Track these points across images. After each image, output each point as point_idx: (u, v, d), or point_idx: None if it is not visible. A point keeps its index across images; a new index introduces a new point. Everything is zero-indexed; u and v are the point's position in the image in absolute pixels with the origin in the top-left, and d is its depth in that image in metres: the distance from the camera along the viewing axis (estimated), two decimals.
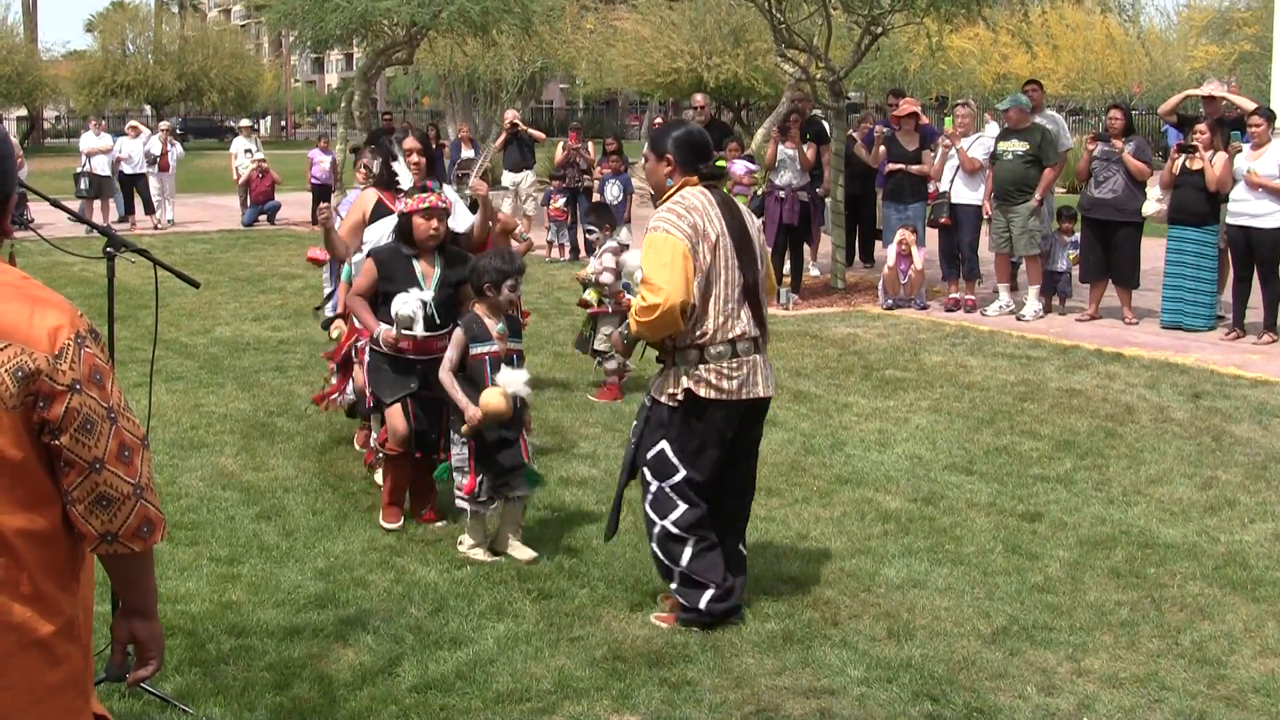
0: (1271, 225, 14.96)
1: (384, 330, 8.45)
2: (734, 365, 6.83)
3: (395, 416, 8.56)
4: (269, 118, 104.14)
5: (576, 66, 53.58)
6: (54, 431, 3.24)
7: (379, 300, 8.55)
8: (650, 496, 7.03)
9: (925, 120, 19.58)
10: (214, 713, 5.96)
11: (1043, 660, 6.61)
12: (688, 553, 6.94)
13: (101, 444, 3.29)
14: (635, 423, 7.25)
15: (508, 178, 25.58)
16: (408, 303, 8.34)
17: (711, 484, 7.02)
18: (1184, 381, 12.96)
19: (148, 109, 77.54)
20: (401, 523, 8.69)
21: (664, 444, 6.95)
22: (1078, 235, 17.25)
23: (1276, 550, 8.26)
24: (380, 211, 9.24)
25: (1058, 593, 7.52)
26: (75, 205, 25.14)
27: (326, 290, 11.31)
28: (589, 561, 7.95)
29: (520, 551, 8.14)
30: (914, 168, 18.18)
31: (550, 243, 23.56)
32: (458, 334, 8.06)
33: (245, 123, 33.66)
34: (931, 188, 18.26)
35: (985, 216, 17.61)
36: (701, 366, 6.81)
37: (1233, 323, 15.61)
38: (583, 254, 22.09)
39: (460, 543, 8.27)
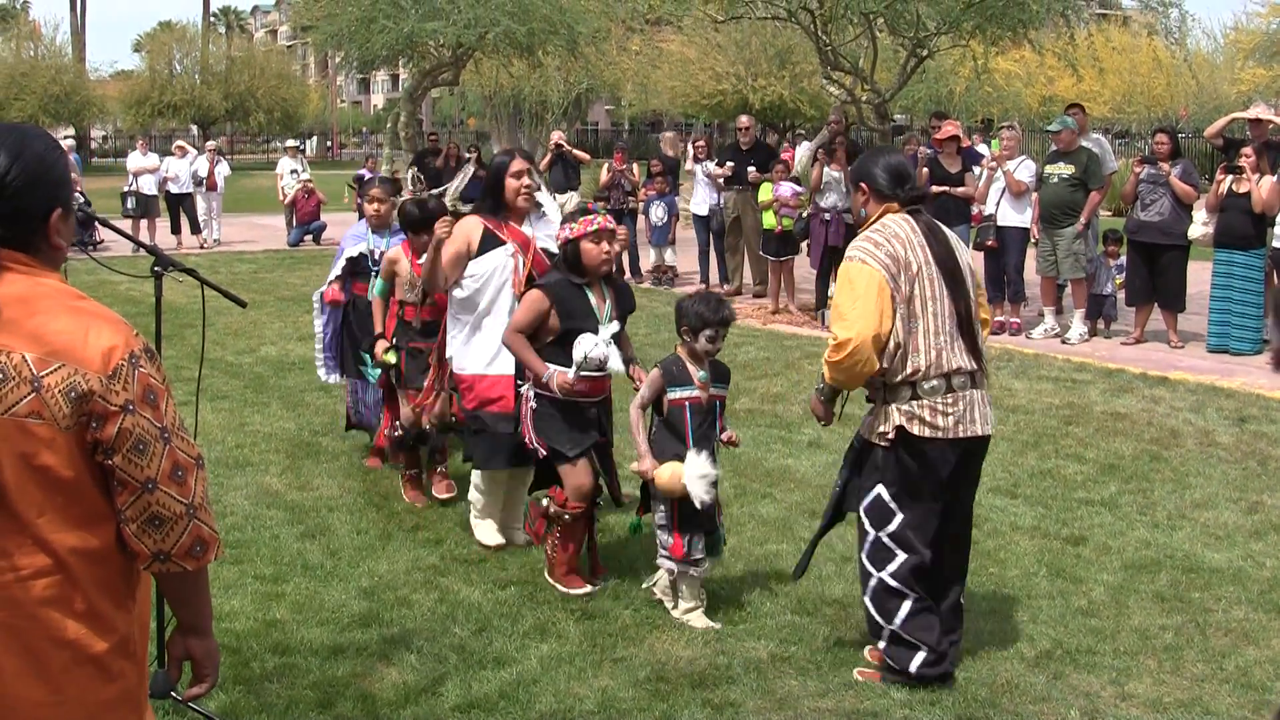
0: None
1: (557, 374, 7.73)
2: (949, 401, 6.39)
3: (582, 472, 7.86)
4: (315, 138, 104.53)
5: (622, 88, 53.77)
6: (107, 451, 3.26)
7: (549, 339, 7.84)
8: (868, 546, 6.59)
9: (967, 142, 19.55)
10: None
11: (1086, 684, 6.59)
12: (904, 611, 6.51)
13: (154, 464, 3.30)
14: (842, 465, 6.93)
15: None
16: (596, 345, 7.70)
17: (930, 530, 6.56)
18: (1230, 405, 12.91)
19: (194, 129, 77.95)
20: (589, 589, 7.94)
21: (880, 488, 6.54)
22: (1123, 258, 17.19)
23: None
24: (489, 242, 8.41)
25: (1102, 616, 7.50)
26: (125, 225, 25.32)
27: (321, 334, 10.82)
28: (632, 582, 7.95)
29: (702, 622, 7.50)
30: (957, 190, 18.15)
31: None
32: (655, 374, 7.49)
33: (291, 143, 33.81)
34: (975, 210, 18.23)
35: (1032, 239, 17.57)
36: (914, 402, 6.39)
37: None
38: (627, 274, 22.12)
39: (674, 606, 7.55)
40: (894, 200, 6.60)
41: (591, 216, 7.89)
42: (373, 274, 10.18)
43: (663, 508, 7.47)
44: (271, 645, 6.96)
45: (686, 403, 7.42)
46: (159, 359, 3.46)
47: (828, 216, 18.30)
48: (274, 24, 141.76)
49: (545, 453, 7.89)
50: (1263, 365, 15.15)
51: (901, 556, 6.48)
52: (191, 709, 5.91)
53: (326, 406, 12.46)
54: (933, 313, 6.38)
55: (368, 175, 28.10)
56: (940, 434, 6.39)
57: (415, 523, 9.08)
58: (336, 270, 10.57)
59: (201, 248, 28.32)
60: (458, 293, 8.51)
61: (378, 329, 9.84)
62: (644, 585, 7.79)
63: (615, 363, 7.75)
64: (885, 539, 6.51)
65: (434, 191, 10.92)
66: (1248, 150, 15.97)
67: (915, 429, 6.39)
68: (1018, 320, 17.63)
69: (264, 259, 26.61)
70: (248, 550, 8.53)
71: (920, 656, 6.49)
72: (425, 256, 8.59)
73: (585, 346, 7.69)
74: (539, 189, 8.57)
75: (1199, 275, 16.94)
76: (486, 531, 8.74)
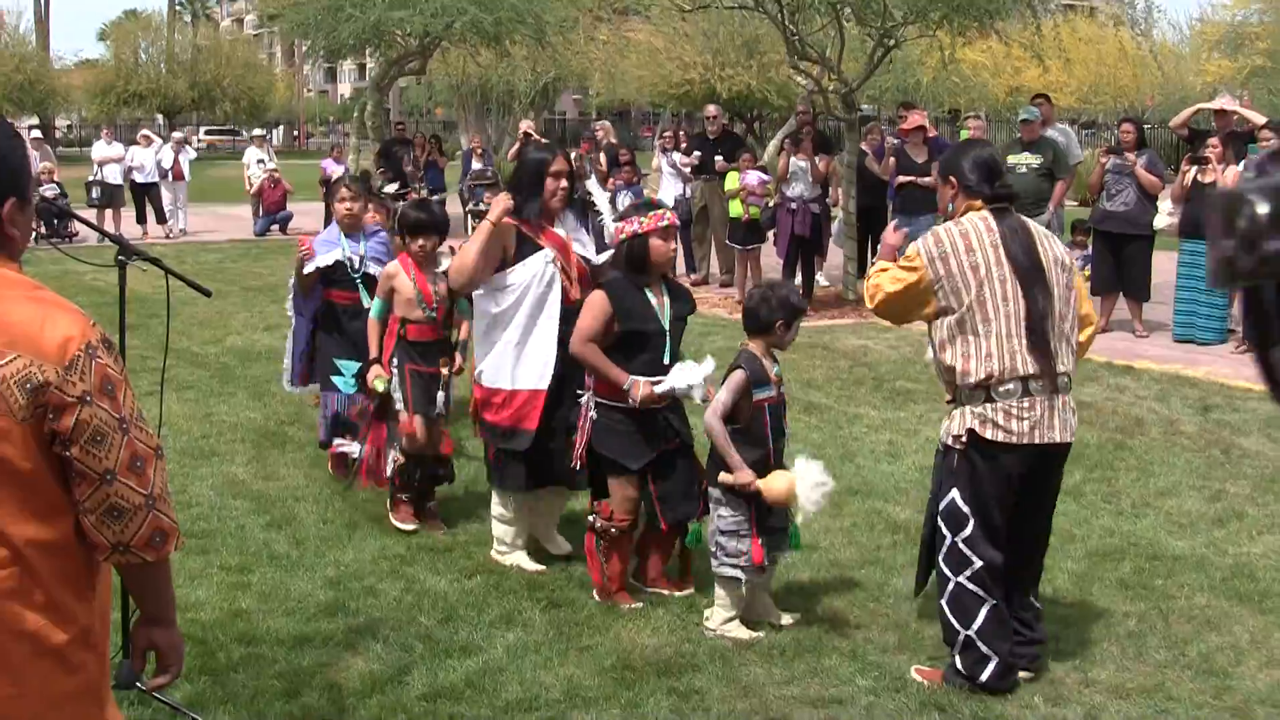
0: None
1: (641, 383, 7.24)
2: (1025, 405, 6.18)
3: (632, 484, 7.48)
4: (281, 127, 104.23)
5: (590, 77, 53.74)
6: (64, 443, 3.24)
7: (613, 343, 7.35)
8: (944, 551, 6.45)
9: (934, 132, 19.59)
10: None
11: (1050, 671, 6.62)
12: (981, 616, 6.35)
13: (113, 455, 3.29)
14: (934, 472, 6.72)
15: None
16: (694, 384, 7.19)
17: (1004, 536, 6.40)
18: (1194, 394, 12.97)
19: (160, 118, 77.70)
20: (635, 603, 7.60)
21: (954, 492, 6.39)
22: (1090, 248, 17.24)
23: None
24: (526, 247, 7.82)
25: (1065, 604, 7.54)
26: (90, 215, 25.22)
27: (292, 341, 10.10)
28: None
29: (783, 616, 7.37)
30: (923, 180, 18.20)
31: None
32: (739, 377, 7.01)
33: (258, 132, 33.73)
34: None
35: None
36: (987, 405, 6.23)
37: (1243, 336, 15.60)
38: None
39: (708, 618, 7.22)
40: (979, 197, 6.42)
41: (660, 211, 7.47)
42: (353, 281, 9.54)
43: (739, 515, 7.07)
44: (237, 635, 6.96)
45: (766, 404, 7.08)
46: (117, 349, 3.44)
47: (794, 206, 18.33)
48: (240, 12, 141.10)
49: (585, 466, 7.53)
50: (1227, 354, 15.24)
51: (977, 562, 6.34)
52: (157, 699, 5.90)
53: (292, 397, 12.42)
54: (1006, 314, 6.20)
55: (331, 166, 28.08)
56: (1014, 438, 6.21)
57: (381, 512, 9.07)
58: (309, 268, 9.54)
59: (167, 238, 28.21)
60: (492, 306, 7.89)
61: (373, 353, 8.91)
62: (709, 627, 7.17)
63: (699, 394, 7.28)
64: (961, 544, 6.37)
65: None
66: (1213, 141, 16.05)
67: (988, 432, 6.24)
68: None
69: (230, 249, 26.55)
70: (213, 540, 8.52)
71: (991, 667, 6.33)
72: (470, 245, 7.79)
73: (685, 379, 7.21)
74: (587, 184, 8.26)
75: (1164, 265, 17.02)
76: (523, 560, 8.17)
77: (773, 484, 6.90)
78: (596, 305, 7.33)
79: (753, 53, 40.95)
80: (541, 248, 7.81)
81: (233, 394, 12.84)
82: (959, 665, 6.41)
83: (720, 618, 7.16)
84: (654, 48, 43.98)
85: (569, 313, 7.69)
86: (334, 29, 29.58)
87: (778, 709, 6.20)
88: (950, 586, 6.43)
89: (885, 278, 6.49)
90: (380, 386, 8.75)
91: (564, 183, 7.84)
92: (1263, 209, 1.33)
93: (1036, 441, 6.23)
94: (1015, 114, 21.42)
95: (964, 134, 18.77)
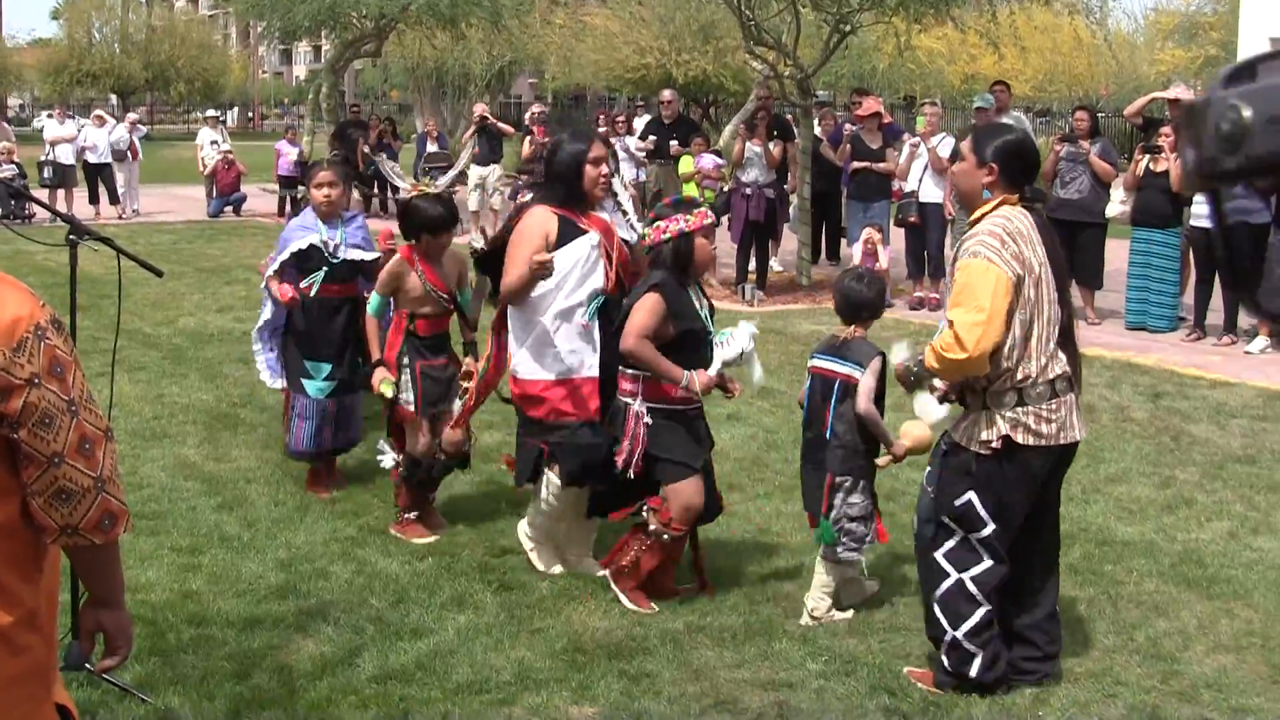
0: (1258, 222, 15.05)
1: (697, 375, 7.11)
2: (1053, 407, 6.04)
3: (695, 491, 7.26)
4: (236, 109, 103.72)
5: (545, 61, 53.55)
6: (12, 425, 3.20)
7: (665, 346, 7.11)
8: (951, 545, 6.22)
9: (889, 119, 19.65)
10: (173, 702, 5.96)
11: None
12: (974, 620, 6.17)
13: (61, 438, 3.24)
14: (929, 469, 6.44)
15: (475, 171, 25.54)
16: (742, 337, 7.28)
17: (1013, 540, 6.24)
18: (1145, 382, 13.04)
19: (114, 98, 77.24)
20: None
21: (971, 495, 6.13)
22: None
23: (1231, 548, 8.34)
24: (569, 232, 7.46)
25: None
26: (42, 194, 25.09)
27: (263, 334, 9.47)
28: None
29: (869, 583, 7.56)
30: (878, 166, 18.24)
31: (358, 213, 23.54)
32: (879, 361, 7.14)
33: (212, 113, 33.56)
34: (896, 186, 18.34)
35: (949, 217, 17.67)
36: (1020, 409, 6.02)
37: (1194, 324, 15.72)
38: None
39: (814, 610, 7.16)
40: (1018, 192, 6.16)
41: (703, 210, 7.37)
42: (330, 270, 8.96)
43: (867, 499, 7.22)
44: (188, 617, 6.94)
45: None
46: (67, 330, 3.40)
47: (749, 191, 18.34)
48: None
49: (637, 472, 7.21)
50: (1178, 342, 15.33)
51: (988, 563, 6.16)
52: (106, 680, 5.88)
53: (245, 378, 12.38)
54: (1046, 318, 6.04)
55: (285, 148, 27.96)
56: (1045, 441, 6.05)
57: (333, 495, 9.05)
58: (274, 265, 9.01)
59: (120, 218, 28.05)
60: (535, 291, 7.49)
61: (374, 353, 8.42)
62: (816, 617, 7.15)
63: (757, 371, 7.43)
64: (975, 541, 6.17)
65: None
66: (1166, 129, 16.11)
67: (1020, 437, 6.03)
68: (937, 296, 17.70)
69: (184, 230, 26.43)
70: (164, 522, 8.50)
71: (978, 663, 6.18)
72: (512, 278, 7.38)
73: (737, 346, 7.25)
74: (615, 175, 7.96)
75: (1117, 253, 17.09)
76: (547, 557, 7.86)
77: (917, 435, 7.13)
78: (652, 305, 7.09)
79: (709, 38, 40.91)
80: (585, 231, 7.51)
81: (185, 375, 12.79)
82: (946, 664, 6.25)
83: (825, 605, 7.18)
84: (610, 32, 43.91)
85: (609, 304, 7.51)
86: (289, 10, 29.48)
87: (728, 692, 6.21)
88: (948, 583, 6.22)
89: (977, 318, 5.84)
90: (388, 391, 8.28)
91: (604, 169, 7.58)
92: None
93: (1063, 442, 6.13)
94: (971, 101, 21.46)
95: (920, 121, 18.77)
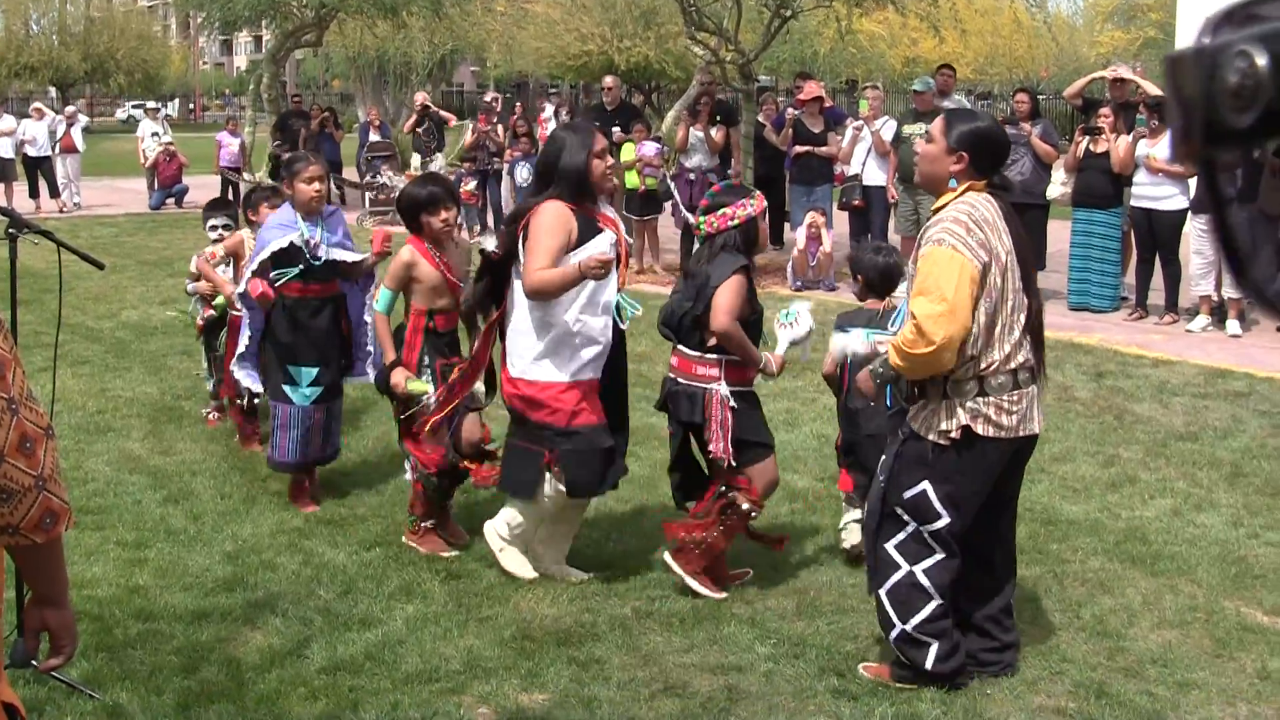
0: (1172, 208, 15.21)
1: (774, 358, 7.29)
2: (1014, 398, 5.91)
3: (774, 467, 7.41)
4: (176, 100, 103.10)
5: (487, 49, 53.49)
6: None
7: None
8: (901, 538, 6.08)
9: (830, 103, 19.70)
10: (121, 698, 5.93)
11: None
12: (925, 613, 6.05)
13: (1, 436, 3.22)
14: (884, 458, 6.25)
15: (417, 160, 25.48)
16: (805, 318, 7.46)
17: (971, 531, 6.12)
18: (1088, 361, 13.12)
19: (53, 91, 76.65)
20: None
21: (926, 484, 5.99)
22: None
23: (1175, 526, 8.40)
24: (588, 230, 7.21)
25: None
26: None
27: (247, 337, 8.89)
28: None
29: None
30: (820, 150, 18.29)
31: (460, 225, 23.53)
32: None
33: (152, 105, 33.35)
34: (838, 170, 18.39)
35: (891, 200, 17.74)
36: (980, 399, 5.88)
37: (1135, 303, 15.82)
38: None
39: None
40: (985, 180, 6.01)
41: (757, 194, 7.43)
42: (312, 270, 8.54)
43: None
44: (134, 611, 6.91)
45: None
46: (6, 326, 3.37)
47: (692, 176, 18.38)
48: None
49: (732, 460, 7.16)
50: (1120, 322, 15.43)
51: (939, 555, 6.03)
52: (52, 676, 5.85)
53: (188, 371, 12.34)
54: (1012, 306, 5.89)
55: (226, 139, 27.80)
56: (1005, 434, 5.93)
57: (279, 487, 9.02)
58: (254, 265, 8.53)
59: (61, 211, 27.86)
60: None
61: (389, 354, 7.95)
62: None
63: (807, 351, 7.55)
64: (926, 534, 6.03)
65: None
66: (1104, 110, 16.20)
67: (980, 428, 5.90)
68: None
69: (125, 223, 26.26)
70: (109, 516, 8.46)
71: (933, 651, 6.06)
72: (555, 276, 7.03)
73: (805, 325, 7.42)
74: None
75: (1058, 234, 17.18)
76: (516, 560, 7.56)
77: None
78: (739, 286, 7.10)
79: (650, 24, 40.94)
80: (601, 229, 7.29)
81: (128, 369, 12.72)
82: (900, 656, 6.15)
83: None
84: (551, 19, 43.88)
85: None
86: (229, 1, 29.32)
87: (677, 677, 6.23)
88: (899, 575, 6.08)
89: (941, 308, 5.72)
90: (420, 388, 7.83)
91: (609, 160, 7.39)
92: (1262, 59, 1.13)
93: (1022, 434, 6.01)
94: (911, 84, 21.55)
95: (863, 105, 18.83)
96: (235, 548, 7.94)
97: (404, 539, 8.06)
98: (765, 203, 7.43)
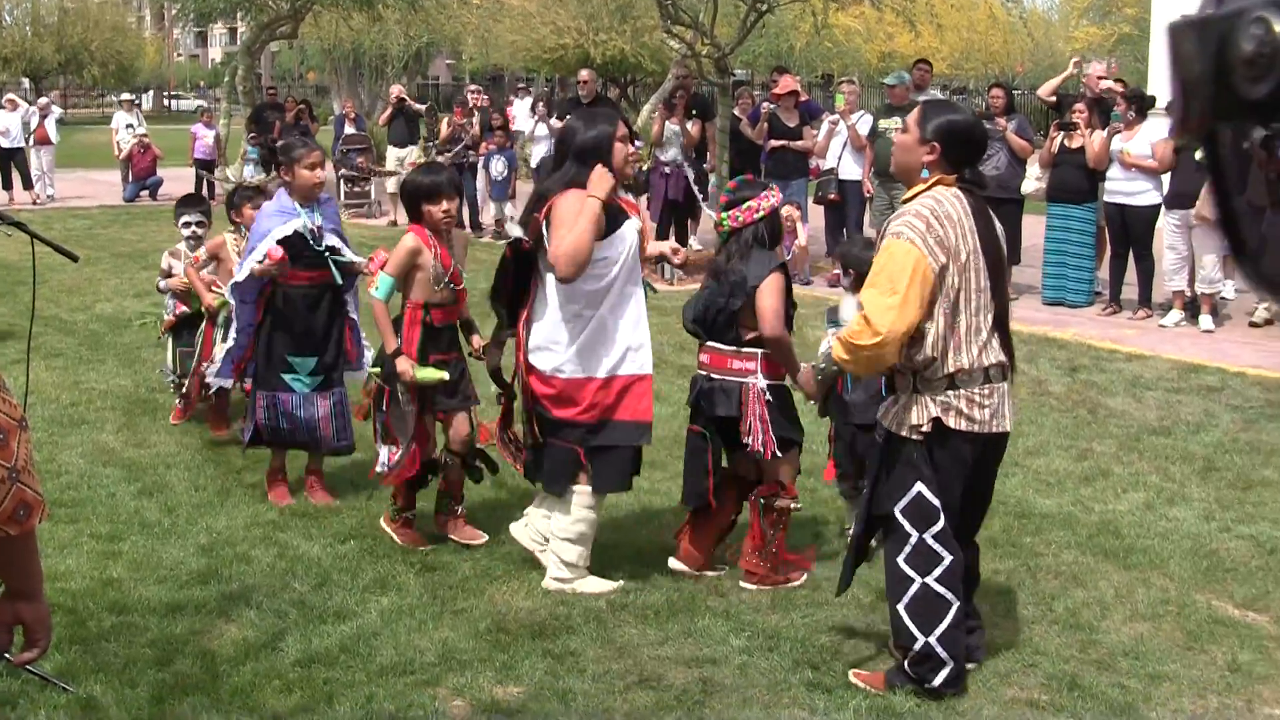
0: (1145, 203, 15.27)
1: (809, 368, 6.84)
2: (985, 392, 5.83)
3: (797, 457, 7.54)
4: (151, 92, 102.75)
5: (463, 42, 53.49)
6: None
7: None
8: (909, 549, 5.94)
9: (806, 97, 19.71)
10: (95, 690, 5.92)
11: None
12: (948, 619, 5.91)
13: None
14: (869, 465, 6.31)
15: (393, 153, 25.45)
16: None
17: (956, 528, 6.01)
18: (1062, 356, 13.17)
19: (26, 82, 76.33)
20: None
21: (919, 486, 5.90)
22: None
23: (1147, 519, 8.44)
24: (614, 217, 7.04)
25: None
26: None
27: (235, 330, 8.81)
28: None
29: None
30: (796, 144, 18.30)
31: (330, 196, 23.50)
32: None
33: (127, 97, 33.24)
34: (814, 164, 18.41)
35: (867, 194, 17.77)
36: (950, 393, 5.81)
37: (1109, 298, 15.88)
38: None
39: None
40: (957, 174, 5.93)
41: (774, 185, 7.43)
42: (315, 257, 8.45)
43: None
44: (109, 604, 6.90)
45: None
46: None
47: (667, 170, 18.38)
48: None
49: (772, 451, 7.20)
50: (1094, 317, 15.49)
51: (948, 559, 5.91)
52: (26, 670, 5.83)
53: (163, 363, 12.31)
54: (976, 306, 5.81)
55: (201, 131, 27.73)
56: (977, 427, 5.85)
57: (255, 480, 9.01)
58: (260, 254, 8.30)
59: (34, 203, 27.74)
60: (586, 284, 7.00)
61: (390, 342, 7.74)
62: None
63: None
64: (930, 541, 5.90)
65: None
66: (1078, 106, 16.25)
67: (951, 421, 5.83)
68: None
69: (99, 214, 26.17)
70: (83, 509, 8.44)
71: (945, 673, 5.94)
72: (579, 229, 6.80)
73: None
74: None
75: (1033, 229, 17.22)
76: (596, 584, 7.30)
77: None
78: (780, 286, 7.13)
79: (626, 17, 40.94)
80: (628, 215, 7.19)
81: (102, 361, 12.69)
82: (909, 670, 6.01)
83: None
84: (527, 12, 43.84)
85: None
86: None
87: (652, 669, 6.24)
88: (914, 589, 5.93)
89: (888, 302, 5.66)
90: (433, 375, 7.67)
91: (631, 146, 7.27)
92: None
93: (994, 430, 5.92)
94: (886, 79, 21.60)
95: (839, 99, 18.85)
96: (210, 540, 7.93)
97: (381, 523, 8.05)
98: (781, 195, 7.44)
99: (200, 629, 6.64)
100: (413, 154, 25.29)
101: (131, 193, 28.95)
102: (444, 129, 23.77)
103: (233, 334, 8.79)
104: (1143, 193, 15.24)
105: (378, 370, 7.94)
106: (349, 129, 26.88)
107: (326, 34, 44.54)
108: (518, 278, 7.25)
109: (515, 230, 7.21)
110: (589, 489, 7.21)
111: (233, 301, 8.74)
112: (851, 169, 17.87)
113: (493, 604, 7.00)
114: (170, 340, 10.74)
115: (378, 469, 7.99)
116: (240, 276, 8.52)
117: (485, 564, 7.57)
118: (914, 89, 17.49)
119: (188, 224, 10.65)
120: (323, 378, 8.62)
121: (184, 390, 10.43)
